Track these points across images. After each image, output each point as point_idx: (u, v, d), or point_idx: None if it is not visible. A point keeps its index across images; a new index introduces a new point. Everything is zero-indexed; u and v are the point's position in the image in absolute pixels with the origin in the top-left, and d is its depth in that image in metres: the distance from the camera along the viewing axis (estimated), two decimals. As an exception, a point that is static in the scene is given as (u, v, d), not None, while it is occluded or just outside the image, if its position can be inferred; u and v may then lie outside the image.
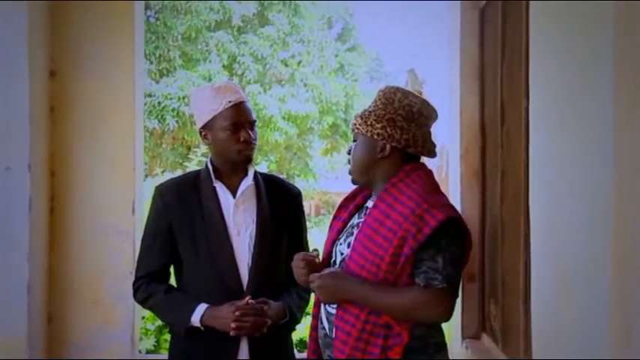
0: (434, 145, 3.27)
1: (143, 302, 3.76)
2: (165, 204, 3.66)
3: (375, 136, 3.15)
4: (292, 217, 3.79)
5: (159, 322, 7.11)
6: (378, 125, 3.15)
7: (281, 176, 4.12)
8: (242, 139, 3.54)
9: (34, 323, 4.95)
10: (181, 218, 3.63)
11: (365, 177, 3.26)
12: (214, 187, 3.63)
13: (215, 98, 3.55)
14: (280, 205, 3.72)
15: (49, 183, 5.24)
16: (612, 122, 2.37)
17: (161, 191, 3.72)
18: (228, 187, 3.65)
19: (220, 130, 3.55)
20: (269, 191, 3.72)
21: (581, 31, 2.73)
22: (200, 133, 3.67)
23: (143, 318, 6.40)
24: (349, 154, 3.31)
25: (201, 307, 3.54)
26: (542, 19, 3.22)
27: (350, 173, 3.33)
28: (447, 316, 3.09)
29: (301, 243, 3.80)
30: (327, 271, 3.17)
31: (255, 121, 3.65)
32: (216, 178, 3.65)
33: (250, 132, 3.58)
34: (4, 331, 4.77)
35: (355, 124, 3.24)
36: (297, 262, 3.31)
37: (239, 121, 3.54)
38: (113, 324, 5.35)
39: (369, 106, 3.26)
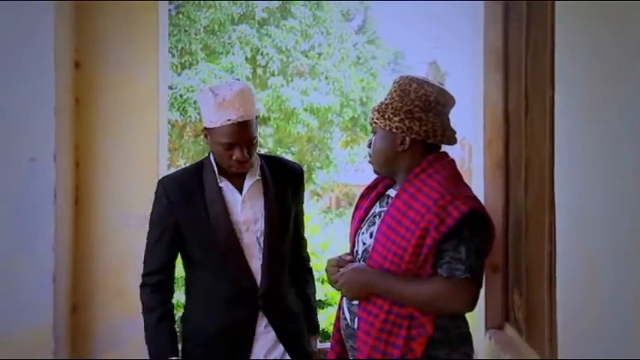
0: (454, 132, 3.26)
1: (142, 309, 3.77)
2: (170, 202, 3.63)
3: (394, 130, 3.13)
4: (296, 196, 3.81)
5: (181, 312, 7.13)
6: (396, 118, 3.12)
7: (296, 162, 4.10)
8: (235, 157, 3.49)
9: (59, 313, 4.98)
10: (187, 217, 3.61)
11: (387, 169, 3.25)
12: (220, 187, 3.62)
13: (216, 112, 3.47)
14: (285, 186, 3.73)
15: (73, 174, 5.26)
16: (639, 109, 2.36)
17: (165, 187, 3.69)
18: (233, 184, 3.64)
19: (217, 144, 3.50)
20: (274, 176, 3.71)
21: (608, 18, 2.71)
22: (202, 130, 3.64)
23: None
24: (369, 147, 3.30)
25: None
26: (568, 7, 3.21)
27: (371, 164, 3.33)
28: (470, 307, 3.08)
29: (302, 221, 3.90)
30: (349, 267, 3.17)
31: (254, 137, 3.55)
32: (221, 174, 3.63)
33: (245, 150, 3.50)
34: (30, 320, 4.80)
35: (373, 118, 3.22)
36: (332, 269, 3.31)
37: (234, 142, 3.47)
38: (137, 314, 5.32)
39: (385, 99, 3.24)
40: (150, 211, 3.76)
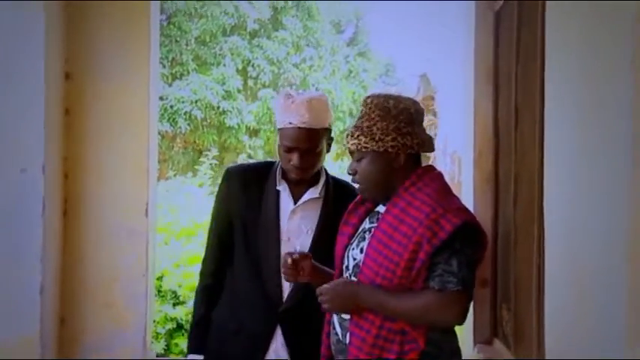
0: (432, 139, 3.29)
1: (195, 297, 3.90)
2: (229, 192, 3.71)
3: (390, 149, 3.11)
4: None
5: (170, 326, 7.13)
6: (388, 138, 3.10)
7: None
8: (292, 162, 3.51)
9: (47, 324, 4.96)
10: (240, 210, 3.66)
11: (382, 190, 3.20)
12: (278, 190, 3.63)
13: (283, 113, 3.50)
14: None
15: (62, 185, 5.25)
16: (630, 125, 2.36)
17: (229, 176, 3.75)
18: (292, 191, 3.64)
19: (280, 145, 3.55)
20: (337, 203, 3.64)
21: (598, 33, 2.72)
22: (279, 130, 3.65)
23: (154, 321, 6.40)
24: (354, 173, 3.26)
25: (195, 357, 3.74)
26: (559, 22, 3.22)
27: (361, 192, 3.28)
28: (462, 319, 3.07)
29: None
30: (339, 281, 3.16)
31: (315, 147, 3.54)
32: (283, 178, 3.64)
33: (301, 158, 3.50)
34: (16, 331, 4.78)
35: (360, 144, 3.15)
36: (286, 263, 3.31)
37: (293, 146, 3.48)
38: (125, 326, 5.36)
39: (361, 121, 3.15)
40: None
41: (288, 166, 3.54)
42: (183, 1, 20.15)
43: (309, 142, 3.51)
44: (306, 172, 3.57)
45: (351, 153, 3.22)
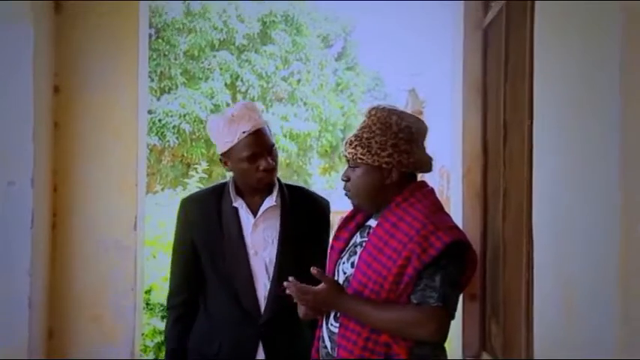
0: (431, 159, 3.27)
1: (165, 332, 3.83)
2: (187, 219, 3.66)
3: (384, 165, 3.11)
4: (318, 231, 3.73)
5: (158, 339, 7.12)
6: (384, 153, 3.10)
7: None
8: (261, 168, 3.47)
9: (35, 338, 4.95)
10: (202, 235, 3.62)
11: (372, 203, 3.21)
12: (235, 207, 3.62)
13: (229, 130, 3.46)
14: (306, 220, 3.66)
15: (51, 198, 5.24)
16: (618, 141, 2.38)
17: (185, 205, 3.72)
18: (249, 206, 3.60)
19: (238, 161, 3.48)
20: (295, 206, 3.67)
21: (586, 49, 2.74)
22: (220, 160, 3.63)
23: (143, 334, 6.39)
24: (346, 180, 3.26)
25: None
26: (547, 38, 3.24)
27: (350, 199, 3.29)
28: (439, 336, 3.05)
29: (323, 257, 3.76)
30: (324, 288, 3.14)
31: (273, 144, 3.57)
32: (238, 195, 3.62)
33: (269, 158, 3.49)
34: (4, 345, 4.77)
35: (356, 154, 3.16)
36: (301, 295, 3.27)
37: (256, 152, 3.46)
38: (113, 340, 5.34)
39: (362, 131, 3.17)
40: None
41: (258, 174, 3.50)
42: (171, 16, 20.15)
43: (268, 141, 3.53)
44: (275, 173, 3.57)
45: (347, 161, 3.23)
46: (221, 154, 3.55)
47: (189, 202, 3.73)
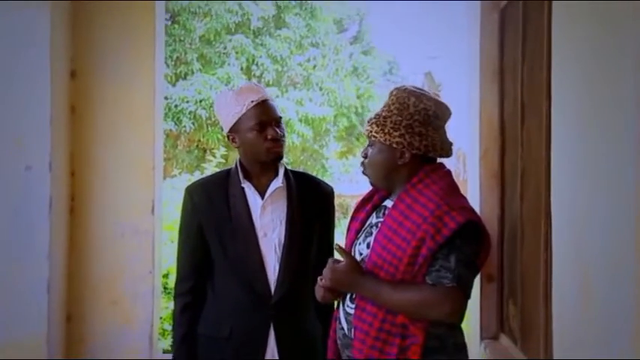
0: (450, 144, 3.26)
1: (173, 319, 3.84)
2: (194, 205, 3.69)
3: (395, 145, 3.12)
4: (323, 216, 3.77)
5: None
6: (396, 133, 3.11)
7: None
8: (269, 136, 3.53)
9: (54, 322, 4.97)
10: (210, 219, 3.64)
11: (385, 182, 3.25)
12: (242, 188, 3.63)
13: (237, 100, 3.53)
14: (311, 204, 3.70)
15: (69, 183, 5.25)
16: (635, 120, 2.36)
17: (190, 191, 3.74)
18: (257, 188, 3.64)
19: (247, 131, 3.54)
20: (300, 190, 3.70)
21: (604, 29, 2.72)
22: (227, 137, 3.66)
23: (161, 318, 6.41)
24: (365, 157, 3.29)
25: None
26: (565, 18, 3.21)
27: (366, 175, 3.31)
28: (455, 317, 3.06)
29: (329, 243, 3.78)
30: (343, 268, 3.14)
31: (280, 117, 3.63)
32: (245, 178, 3.64)
33: (277, 129, 3.56)
34: (24, 329, 4.79)
35: (371, 132, 3.19)
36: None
37: (264, 120, 3.53)
38: (132, 324, 5.36)
39: (382, 110, 3.22)
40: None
41: (266, 144, 3.56)
42: (187, 0, 20.12)
43: (276, 112, 3.61)
44: (283, 144, 3.62)
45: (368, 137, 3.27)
46: (229, 130, 3.59)
47: (195, 188, 3.76)
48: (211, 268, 3.69)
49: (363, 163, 3.31)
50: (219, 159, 11.72)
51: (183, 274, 3.77)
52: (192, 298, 3.72)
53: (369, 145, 3.26)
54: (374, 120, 3.20)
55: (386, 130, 3.13)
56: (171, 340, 3.84)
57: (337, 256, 3.25)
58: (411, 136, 3.11)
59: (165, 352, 6.39)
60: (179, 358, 3.71)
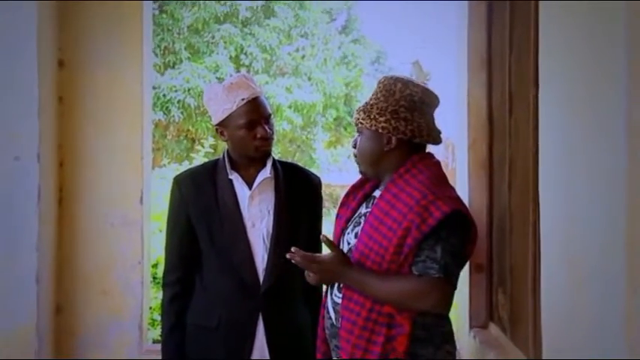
0: (439, 132, 3.26)
1: (161, 309, 3.82)
2: (182, 195, 3.68)
3: (380, 130, 3.13)
4: (310, 207, 3.77)
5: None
6: (382, 119, 3.12)
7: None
8: (259, 135, 3.51)
9: (43, 313, 4.97)
10: (198, 209, 3.64)
11: (374, 169, 3.25)
12: (230, 180, 3.64)
13: (228, 96, 3.51)
14: (299, 195, 3.70)
15: (57, 173, 5.25)
16: (625, 109, 2.36)
17: (178, 182, 3.73)
18: (244, 178, 3.63)
19: (236, 129, 3.52)
20: (288, 181, 3.70)
21: (592, 17, 2.72)
22: (216, 129, 3.65)
23: (150, 308, 6.41)
24: (354, 147, 3.30)
25: None
26: (552, 6, 3.21)
27: (358, 164, 3.32)
28: (441, 307, 3.07)
29: (317, 234, 3.74)
30: (331, 258, 3.14)
31: (270, 114, 3.61)
32: (233, 169, 3.64)
33: (267, 127, 3.54)
34: (13, 320, 4.79)
35: (358, 119, 3.21)
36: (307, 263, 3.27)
37: (254, 119, 3.51)
38: (121, 314, 5.36)
39: (370, 99, 3.22)
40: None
41: (255, 142, 3.54)
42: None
43: (266, 109, 3.59)
44: (271, 141, 3.61)
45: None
46: (218, 124, 3.58)
47: (183, 179, 3.75)
48: (199, 258, 3.69)
49: (354, 154, 3.32)
50: (207, 149, 11.71)
51: (171, 264, 3.76)
52: (180, 288, 3.71)
53: (358, 134, 3.27)
54: (361, 108, 3.22)
55: (372, 116, 3.14)
56: (160, 330, 3.82)
57: (324, 247, 3.25)
58: (397, 121, 3.11)
59: (155, 342, 6.39)
60: (167, 348, 3.70)
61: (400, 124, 3.11)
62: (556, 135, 3.14)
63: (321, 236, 3.11)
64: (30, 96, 4.79)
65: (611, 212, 2.49)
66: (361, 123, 3.19)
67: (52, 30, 5.12)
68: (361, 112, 3.20)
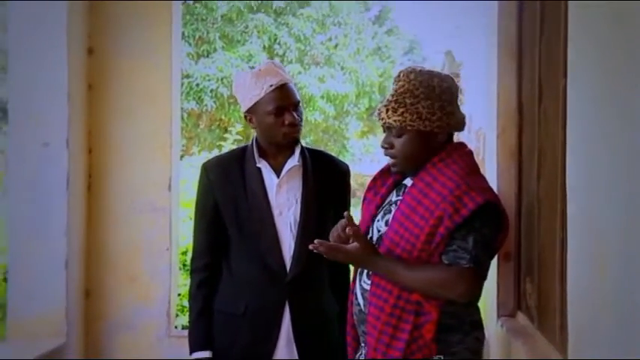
0: (464, 116, 3.28)
1: (189, 295, 3.84)
2: (210, 181, 3.70)
3: (436, 130, 3.10)
4: (339, 194, 3.77)
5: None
6: (434, 117, 3.08)
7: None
8: (287, 122, 3.52)
9: (72, 298, 5.02)
10: (226, 196, 3.65)
11: (417, 167, 3.20)
12: (258, 167, 3.63)
13: (257, 83, 3.52)
14: (327, 182, 3.71)
15: (86, 159, 5.29)
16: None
17: (207, 168, 3.76)
18: (272, 166, 3.65)
19: (264, 115, 3.53)
20: (316, 168, 3.70)
21: (623, 6, 2.70)
22: (245, 117, 3.66)
23: (179, 295, 6.45)
24: (390, 147, 3.21)
25: (202, 354, 3.67)
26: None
27: (393, 165, 3.25)
28: (470, 297, 3.07)
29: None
30: (359, 247, 3.13)
31: (299, 101, 3.61)
32: (261, 157, 3.64)
33: (295, 113, 3.54)
34: (42, 305, 4.85)
35: (405, 121, 3.10)
36: (336, 234, 3.24)
37: (282, 105, 3.52)
38: (149, 300, 5.39)
39: (402, 96, 3.11)
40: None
41: (283, 129, 3.55)
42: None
43: (294, 97, 3.59)
44: (299, 129, 3.62)
45: (389, 128, 3.18)
46: (246, 111, 3.58)
47: (211, 166, 3.77)
48: (227, 245, 3.70)
49: (388, 153, 3.25)
50: (235, 136, 11.72)
51: (199, 250, 3.78)
52: (208, 274, 3.73)
53: (395, 136, 3.18)
54: (402, 109, 3.07)
55: (423, 117, 3.07)
56: (188, 315, 3.85)
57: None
58: (448, 117, 3.10)
59: (184, 328, 6.43)
60: (195, 333, 3.72)
61: (451, 119, 3.11)
62: (584, 124, 3.11)
63: (347, 229, 3.08)
64: (59, 83, 4.83)
65: (637, 202, 2.47)
66: (411, 125, 3.10)
67: (81, 17, 5.14)
68: (405, 114, 3.08)
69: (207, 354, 3.68)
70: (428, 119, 3.07)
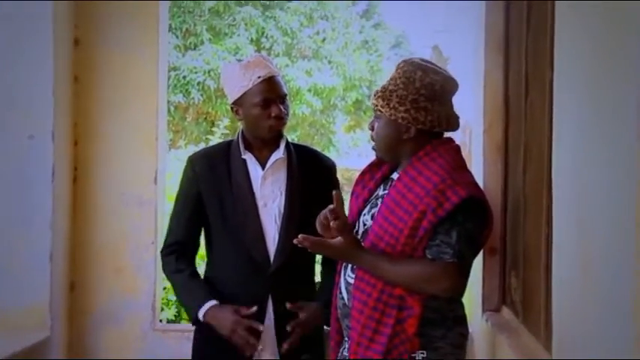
0: (457, 117, 3.26)
1: (168, 275, 3.81)
2: (195, 173, 3.72)
3: (400, 120, 3.11)
4: (324, 189, 3.75)
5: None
6: (402, 108, 3.10)
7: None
8: (273, 114, 3.55)
9: (56, 291, 5.00)
10: (210, 188, 3.67)
11: (391, 155, 3.24)
12: (244, 159, 3.64)
13: (244, 74, 3.54)
14: (312, 177, 3.72)
15: (72, 152, 5.26)
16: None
17: (192, 161, 3.79)
18: (258, 159, 3.67)
19: (251, 107, 3.56)
20: (301, 163, 3.73)
21: (609, 1, 2.70)
22: (231, 108, 3.68)
23: (164, 289, 6.43)
24: (372, 129, 3.28)
25: (209, 304, 3.60)
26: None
27: (374, 149, 3.31)
28: (453, 292, 3.08)
29: None
30: (342, 242, 3.13)
31: (286, 94, 3.64)
32: (247, 149, 3.65)
33: (281, 106, 3.57)
34: (26, 298, 4.82)
35: (377, 106, 3.18)
36: (324, 220, 3.23)
37: (269, 97, 3.54)
38: (135, 293, 5.38)
39: (388, 83, 3.19)
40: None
41: (269, 121, 3.57)
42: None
43: (281, 89, 3.62)
44: (285, 121, 3.63)
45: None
46: (233, 102, 3.60)
47: (197, 158, 3.81)
48: (209, 237, 3.71)
49: (371, 136, 3.31)
50: (222, 130, 11.71)
51: (176, 238, 3.81)
52: (179, 251, 3.77)
53: (375, 118, 3.25)
54: (380, 93, 3.19)
55: (391, 105, 3.12)
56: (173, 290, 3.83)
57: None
58: (417, 111, 3.10)
59: (169, 321, 6.42)
60: (189, 294, 3.73)
61: (420, 115, 3.10)
62: (570, 119, 3.12)
63: (332, 223, 3.07)
64: (45, 74, 4.80)
65: (625, 196, 2.47)
66: (380, 110, 3.16)
67: (67, 8, 5.11)
68: (379, 99, 3.16)
69: (213, 302, 3.63)
70: (394, 108, 3.10)
